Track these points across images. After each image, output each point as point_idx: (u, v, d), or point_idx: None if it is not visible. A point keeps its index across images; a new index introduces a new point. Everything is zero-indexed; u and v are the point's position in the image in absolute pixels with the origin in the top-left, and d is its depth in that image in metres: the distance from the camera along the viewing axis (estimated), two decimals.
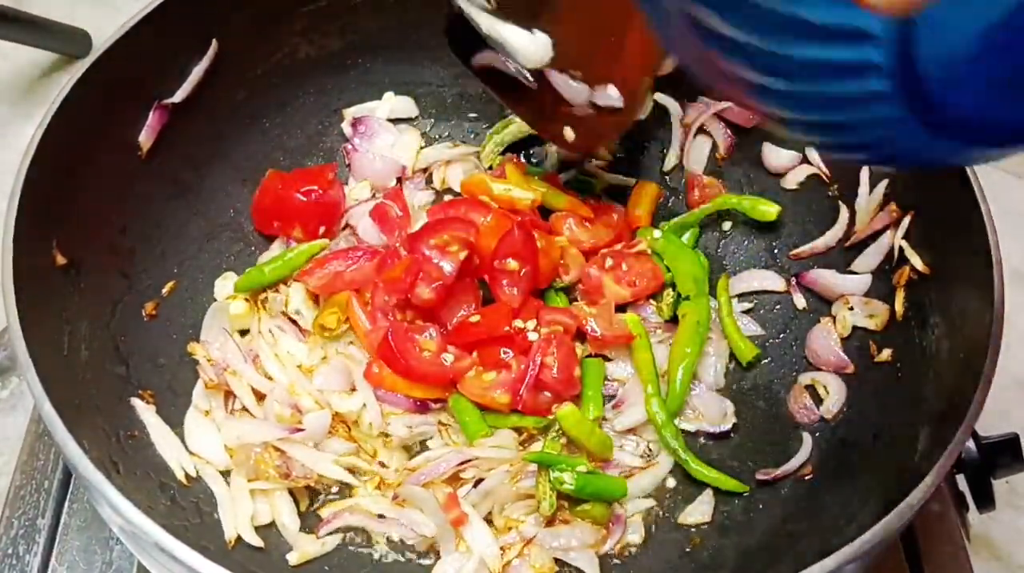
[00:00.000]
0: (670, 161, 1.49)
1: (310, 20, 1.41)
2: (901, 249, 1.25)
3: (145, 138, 1.28)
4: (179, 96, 1.31)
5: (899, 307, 1.24)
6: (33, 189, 1.08)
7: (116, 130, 1.25)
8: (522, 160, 1.49)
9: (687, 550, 1.18)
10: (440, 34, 1.48)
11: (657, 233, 1.41)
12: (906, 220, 1.25)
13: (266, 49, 1.39)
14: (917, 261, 1.22)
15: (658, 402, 1.26)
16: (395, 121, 1.54)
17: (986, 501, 1.21)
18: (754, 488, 1.22)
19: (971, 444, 1.19)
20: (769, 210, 1.38)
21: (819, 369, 1.30)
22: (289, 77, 1.45)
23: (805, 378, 1.30)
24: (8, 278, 1.01)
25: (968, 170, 1.12)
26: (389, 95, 1.54)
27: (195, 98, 1.32)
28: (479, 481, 1.17)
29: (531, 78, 1.18)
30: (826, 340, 1.30)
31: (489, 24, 1.15)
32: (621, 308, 1.36)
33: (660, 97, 1.46)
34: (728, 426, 1.28)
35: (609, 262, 1.37)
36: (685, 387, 1.28)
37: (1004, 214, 1.12)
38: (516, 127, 1.48)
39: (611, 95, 1.16)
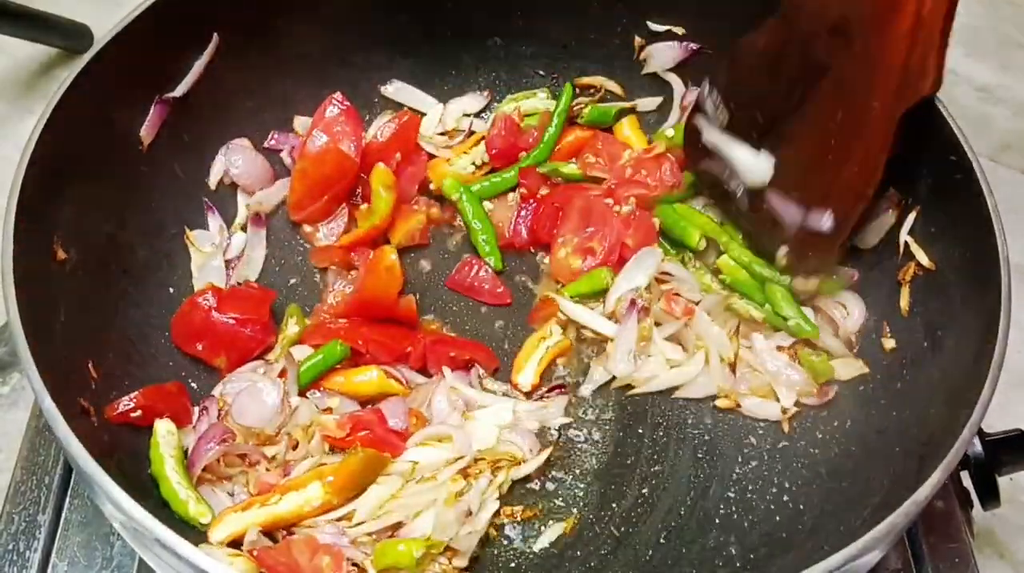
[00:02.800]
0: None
1: (311, 13, 1.40)
2: (907, 245, 1.24)
3: (146, 132, 1.27)
4: (180, 90, 1.30)
5: (904, 303, 1.23)
6: (33, 184, 1.07)
7: (117, 124, 1.24)
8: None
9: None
10: (442, 33, 1.49)
11: (670, 131, 1.45)
12: (911, 216, 1.24)
13: (267, 43, 1.39)
14: (923, 257, 1.21)
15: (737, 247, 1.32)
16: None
17: (991, 498, 1.20)
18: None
19: (976, 441, 1.18)
20: None
21: None
22: (290, 71, 1.44)
23: None
24: (8, 273, 1.01)
25: (975, 166, 1.12)
26: None
27: (196, 92, 1.31)
28: None
29: (746, 200, 1.27)
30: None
31: (720, 140, 1.27)
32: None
33: (666, 74, 1.48)
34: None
35: (628, 171, 1.40)
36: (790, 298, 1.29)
37: (1010, 211, 1.12)
38: (537, 101, 1.50)
39: (823, 220, 1.19)
